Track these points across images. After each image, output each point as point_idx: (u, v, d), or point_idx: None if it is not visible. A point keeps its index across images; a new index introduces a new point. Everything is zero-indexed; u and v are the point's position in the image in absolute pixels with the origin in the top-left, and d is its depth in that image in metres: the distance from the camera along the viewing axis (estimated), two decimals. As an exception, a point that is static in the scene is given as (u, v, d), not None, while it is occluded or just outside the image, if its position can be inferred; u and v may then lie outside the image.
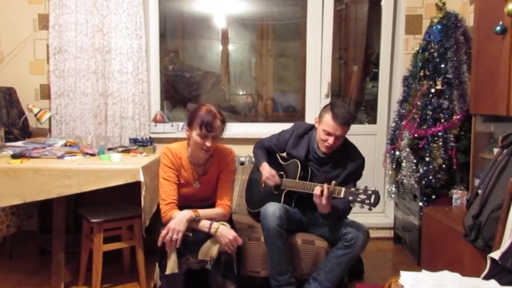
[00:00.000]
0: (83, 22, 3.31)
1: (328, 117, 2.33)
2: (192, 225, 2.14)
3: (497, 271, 1.73)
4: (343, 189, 2.21)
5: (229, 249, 2.10)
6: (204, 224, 2.15)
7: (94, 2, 3.31)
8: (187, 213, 2.12)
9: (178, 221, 2.09)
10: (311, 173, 2.49)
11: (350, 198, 2.18)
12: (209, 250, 2.12)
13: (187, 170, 2.30)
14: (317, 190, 2.25)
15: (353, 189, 2.20)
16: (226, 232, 2.11)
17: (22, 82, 3.41)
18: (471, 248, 2.14)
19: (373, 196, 2.13)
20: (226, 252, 2.12)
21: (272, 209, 2.33)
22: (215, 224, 2.14)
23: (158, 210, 2.49)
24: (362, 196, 2.15)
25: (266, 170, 2.57)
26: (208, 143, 2.16)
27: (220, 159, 2.34)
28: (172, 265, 2.09)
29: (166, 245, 2.08)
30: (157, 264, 2.18)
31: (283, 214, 2.32)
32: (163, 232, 2.08)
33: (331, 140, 2.34)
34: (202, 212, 2.18)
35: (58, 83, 3.34)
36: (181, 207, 2.21)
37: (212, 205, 2.32)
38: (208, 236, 2.13)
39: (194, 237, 2.13)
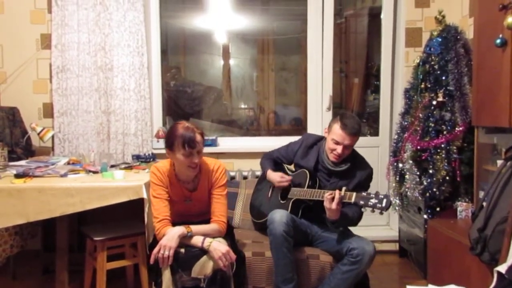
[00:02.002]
0: (85, 41, 3.35)
1: (337, 127, 2.38)
2: (184, 241, 2.12)
3: (504, 285, 1.71)
4: (354, 194, 2.21)
5: (222, 264, 2.07)
6: (197, 240, 2.12)
7: (96, 21, 3.34)
8: (179, 230, 2.11)
9: (169, 237, 2.08)
10: (319, 183, 2.49)
11: (362, 202, 2.18)
12: (203, 268, 2.09)
13: (176, 187, 2.29)
14: (328, 194, 2.24)
15: (364, 193, 2.20)
16: (219, 247, 2.09)
17: (25, 101, 3.43)
18: (477, 261, 2.11)
19: (384, 200, 2.13)
20: (222, 270, 2.09)
21: (280, 215, 2.32)
22: (208, 239, 2.12)
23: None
24: (374, 201, 2.15)
25: (274, 174, 2.61)
26: (195, 160, 2.17)
27: (209, 174, 2.31)
28: (167, 283, 2.07)
29: (159, 262, 2.07)
30: (153, 284, 2.17)
31: (290, 221, 2.31)
32: (155, 249, 2.07)
33: (339, 149, 2.37)
34: (195, 228, 2.16)
35: (61, 102, 3.37)
36: (178, 223, 2.20)
37: (209, 220, 2.30)
38: (202, 253, 2.11)
39: (186, 253, 2.11)
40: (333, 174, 2.50)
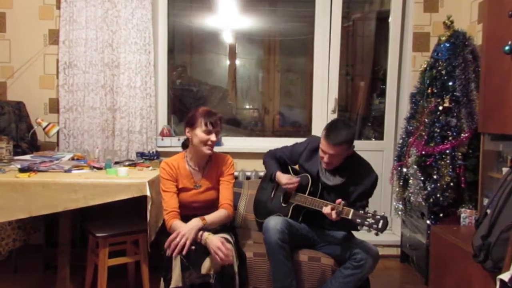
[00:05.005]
0: (93, 38, 3.35)
1: (322, 135, 2.35)
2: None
3: (507, 294, 1.71)
4: (352, 211, 2.20)
5: (219, 258, 2.07)
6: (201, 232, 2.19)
7: (104, 18, 3.35)
8: (198, 223, 2.19)
9: (189, 229, 2.14)
10: (321, 189, 2.47)
11: (358, 220, 2.17)
12: (212, 265, 2.11)
13: (186, 177, 2.39)
14: (325, 209, 2.24)
15: (361, 211, 2.18)
16: (213, 241, 2.12)
17: (32, 96, 3.44)
18: (480, 269, 2.10)
19: (381, 222, 2.12)
20: (229, 266, 2.12)
21: (274, 222, 2.31)
22: (205, 234, 2.17)
23: (163, 224, 2.49)
24: (370, 220, 2.14)
25: (283, 177, 2.54)
26: (213, 138, 2.31)
27: (218, 164, 2.44)
28: (176, 279, 2.09)
29: (170, 250, 2.10)
30: (161, 279, 2.17)
31: (285, 228, 2.30)
32: (172, 235, 2.12)
33: (326, 158, 2.35)
34: (208, 218, 2.24)
35: (67, 97, 3.38)
36: (184, 216, 2.28)
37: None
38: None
39: (196, 250, 2.14)
40: (331, 189, 2.46)
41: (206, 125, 2.29)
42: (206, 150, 2.34)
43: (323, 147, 2.34)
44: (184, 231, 2.13)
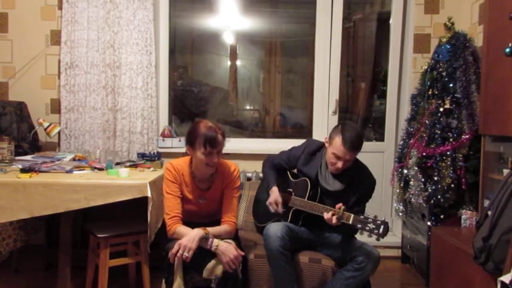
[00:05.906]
0: (94, 38, 3.36)
1: (338, 141, 2.29)
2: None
3: (508, 296, 1.71)
4: (352, 216, 2.20)
5: (229, 267, 2.07)
6: (204, 241, 2.13)
7: (106, 19, 3.36)
8: (199, 232, 2.12)
9: (190, 238, 2.08)
10: (320, 193, 2.46)
11: (359, 226, 2.17)
12: (214, 269, 2.10)
13: (190, 186, 2.31)
14: (326, 215, 2.24)
15: (362, 217, 2.18)
16: (227, 250, 2.10)
17: (33, 96, 3.45)
18: (481, 270, 2.10)
19: (382, 227, 2.11)
20: (233, 271, 2.09)
21: (274, 229, 2.31)
22: (215, 241, 2.12)
23: (163, 225, 2.49)
24: (371, 226, 2.13)
25: (273, 195, 2.53)
26: (214, 159, 2.19)
27: (224, 175, 2.34)
28: (178, 282, 2.09)
29: (176, 264, 2.08)
30: (163, 281, 2.17)
31: (285, 235, 2.30)
32: (174, 249, 2.07)
33: (340, 164, 2.32)
34: (211, 230, 2.17)
35: (69, 98, 3.38)
36: (186, 223, 2.21)
37: (217, 221, 2.31)
38: (213, 254, 2.12)
39: (198, 254, 2.12)
40: (330, 193, 2.45)
41: (205, 147, 2.16)
42: (208, 171, 2.26)
43: (341, 153, 2.29)
44: (185, 242, 2.06)
